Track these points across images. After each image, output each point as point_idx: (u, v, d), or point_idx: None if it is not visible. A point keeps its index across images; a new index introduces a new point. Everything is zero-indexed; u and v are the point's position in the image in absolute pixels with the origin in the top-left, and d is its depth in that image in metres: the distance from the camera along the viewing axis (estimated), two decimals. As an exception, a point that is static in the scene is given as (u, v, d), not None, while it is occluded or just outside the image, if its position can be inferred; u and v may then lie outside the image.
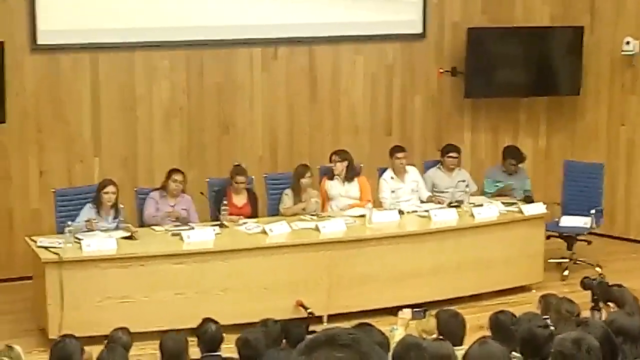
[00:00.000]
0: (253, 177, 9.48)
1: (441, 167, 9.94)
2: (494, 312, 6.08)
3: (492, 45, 10.92)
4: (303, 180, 9.21)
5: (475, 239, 9.07)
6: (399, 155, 9.56)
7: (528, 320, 5.50)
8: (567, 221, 9.90)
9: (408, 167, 9.73)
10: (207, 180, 9.45)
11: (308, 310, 8.23)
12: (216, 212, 8.90)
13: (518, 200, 9.66)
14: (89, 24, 9.52)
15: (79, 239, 8.14)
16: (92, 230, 8.41)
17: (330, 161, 9.44)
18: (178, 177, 8.93)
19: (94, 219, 8.46)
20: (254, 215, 9.17)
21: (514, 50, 10.97)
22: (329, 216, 8.98)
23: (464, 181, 9.73)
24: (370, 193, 9.57)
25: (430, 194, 9.72)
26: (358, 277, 8.62)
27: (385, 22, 10.70)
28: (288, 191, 9.28)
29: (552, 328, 5.81)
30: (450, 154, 9.87)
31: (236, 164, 9.33)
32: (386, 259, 8.72)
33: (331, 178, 9.42)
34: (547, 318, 6.04)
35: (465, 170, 10.06)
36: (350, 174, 9.44)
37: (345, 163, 9.40)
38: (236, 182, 9.09)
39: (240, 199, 9.18)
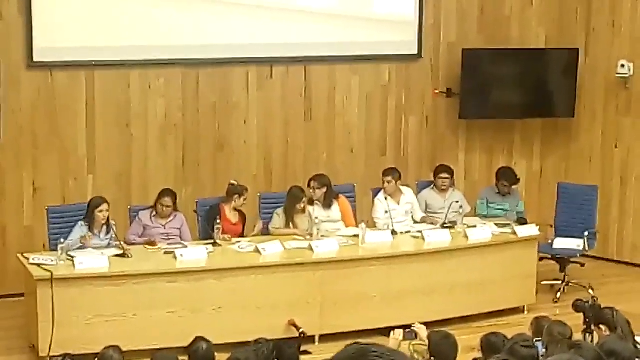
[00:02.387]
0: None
1: (434, 187, 9.95)
2: (486, 334, 6.08)
3: (487, 66, 10.95)
4: (299, 206, 9.20)
5: (469, 260, 9.07)
6: (385, 178, 9.56)
7: (514, 341, 5.51)
8: (560, 243, 9.90)
9: (403, 189, 9.73)
10: (197, 200, 9.44)
11: (300, 330, 8.22)
12: (208, 230, 8.90)
13: (511, 221, 9.66)
14: (85, 41, 9.54)
15: (72, 257, 8.13)
16: (86, 247, 8.40)
17: (309, 187, 9.41)
18: (167, 201, 8.92)
19: (89, 234, 8.44)
20: (243, 233, 9.17)
21: (509, 72, 10.99)
22: (322, 236, 8.97)
23: (457, 202, 9.73)
24: (352, 215, 9.56)
25: (424, 214, 9.72)
26: (351, 297, 8.61)
27: (381, 42, 10.74)
28: (280, 211, 9.27)
29: (542, 350, 5.81)
30: (442, 175, 9.88)
31: (232, 182, 9.32)
32: (379, 280, 8.71)
33: (311, 203, 9.39)
34: (539, 340, 6.05)
35: (459, 191, 10.07)
36: (329, 200, 9.41)
37: (324, 189, 9.38)
38: (243, 199, 9.10)
39: (234, 216, 9.19)
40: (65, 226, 8.69)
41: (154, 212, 8.96)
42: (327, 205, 9.39)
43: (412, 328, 6.55)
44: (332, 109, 10.65)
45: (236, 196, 9.14)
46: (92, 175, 9.73)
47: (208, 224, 8.97)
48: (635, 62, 10.72)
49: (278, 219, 9.25)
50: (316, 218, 9.08)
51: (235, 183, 9.29)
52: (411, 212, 9.68)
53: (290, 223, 9.24)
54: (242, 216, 9.27)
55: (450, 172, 9.93)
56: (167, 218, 8.95)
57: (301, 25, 10.36)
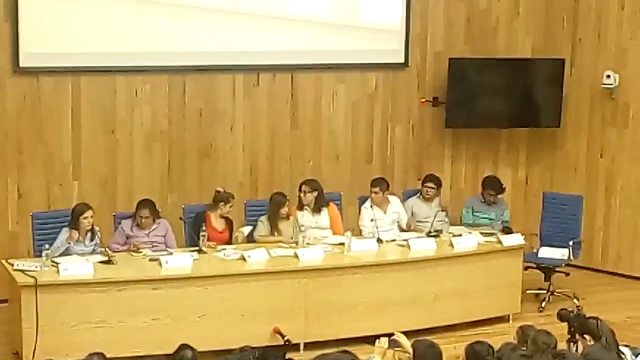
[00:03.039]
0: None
1: (420, 196, 9.97)
2: (470, 343, 6.07)
3: (473, 75, 10.97)
4: (282, 211, 9.21)
5: (454, 269, 9.07)
6: (373, 189, 9.56)
7: (512, 349, 5.48)
8: (545, 252, 9.93)
9: (391, 198, 9.74)
10: (183, 206, 9.43)
11: (285, 338, 8.21)
12: (194, 237, 8.88)
13: (497, 230, 9.67)
14: (71, 47, 9.52)
15: (56, 263, 8.10)
16: (72, 247, 8.38)
17: (300, 191, 9.42)
18: (144, 212, 8.84)
19: (74, 232, 8.41)
20: (229, 240, 9.16)
21: (495, 81, 11.02)
22: (308, 243, 8.95)
23: (443, 210, 9.75)
24: (341, 223, 9.56)
25: (409, 217, 9.73)
26: (336, 305, 8.61)
27: (368, 50, 10.75)
28: (264, 219, 9.28)
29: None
30: (428, 184, 9.90)
31: (218, 189, 9.30)
32: (364, 288, 8.71)
33: (300, 208, 9.40)
34: (524, 349, 6.06)
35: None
36: (319, 205, 9.42)
37: (315, 193, 9.39)
38: (229, 206, 9.08)
39: (220, 223, 9.17)
40: (50, 232, 8.66)
41: (135, 222, 8.92)
42: (316, 210, 9.39)
43: (392, 337, 6.54)
44: (319, 117, 10.66)
45: (222, 203, 9.13)
46: (77, 181, 9.71)
47: (193, 232, 8.95)
48: (620, 72, 10.77)
49: (262, 227, 9.25)
50: (302, 226, 9.07)
51: (222, 190, 9.28)
52: (398, 221, 9.69)
53: (275, 230, 9.24)
54: (229, 223, 9.25)
55: (437, 183, 9.94)
56: (149, 227, 8.92)
57: (288, 33, 10.37)
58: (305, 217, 9.34)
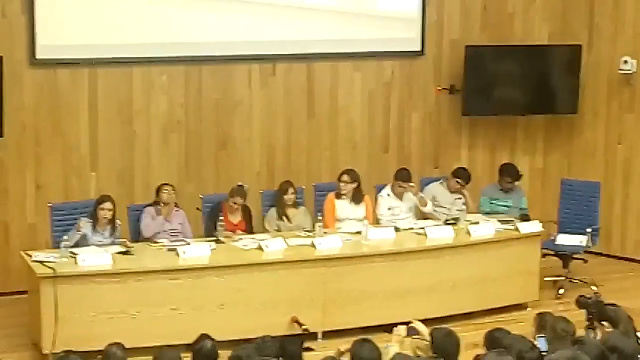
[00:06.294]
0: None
1: (444, 183, 9.92)
2: (490, 330, 6.07)
3: (490, 63, 10.94)
4: (286, 197, 9.24)
5: (472, 257, 9.07)
6: (402, 184, 9.52)
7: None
8: (564, 240, 9.90)
9: (408, 186, 9.73)
10: (201, 196, 9.45)
11: (303, 327, 8.23)
12: (212, 227, 8.90)
13: (514, 218, 9.65)
14: (88, 39, 9.55)
15: (75, 254, 8.14)
16: (83, 234, 8.42)
17: (340, 181, 9.42)
18: (168, 187, 8.96)
19: (82, 222, 8.46)
20: (249, 231, 9.17)
21: (512, 69, 10.98)
22: (325, 232, 8.96)
23: (460, 198, 9.73)
24: (372, 215, 9.56)
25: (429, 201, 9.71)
26: (354, 294, 8.62)
27: (384, 39, 10.73)
28: (272, 211, 9.30)
29: (546, 346, 5.82)
30: (458, 180, 9.80)
31: (239, 184, 9.31)
32: (382, 276, 8.71)
33: (339, 197, 9.42)
34: (543, 336, 6.06)
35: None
36: (359, 196, 9.43)
37: (355, 185, 9.40)
38: (234, 203, 9.09)
39: (235, 217, 9.18)
40: (69, 224, 8.71)
41: (158, 207, 8.95)
42: (357, 201, 9.38)
43: (410, 325, 6.55)
44: (335, 106, 10.65)
45: (236, 198, 9.10)
46: (95, 172, 9.74)
47: (210, 222, 8.98)
48: (638, 58, 10.71)
49: (272, 219, 9.28)
50: (319, 216, 9.07)
51: (242, 185, 9.27)
52: (415, 209, 9.69)
53: (284, 216, 9.25)
54: (247, 213, 9.24)
55: (467, 180, 9.84)
56: (169, 214, 8.94)
57: (304, 23, 10.36)
58: (344, 208, 9.37)
